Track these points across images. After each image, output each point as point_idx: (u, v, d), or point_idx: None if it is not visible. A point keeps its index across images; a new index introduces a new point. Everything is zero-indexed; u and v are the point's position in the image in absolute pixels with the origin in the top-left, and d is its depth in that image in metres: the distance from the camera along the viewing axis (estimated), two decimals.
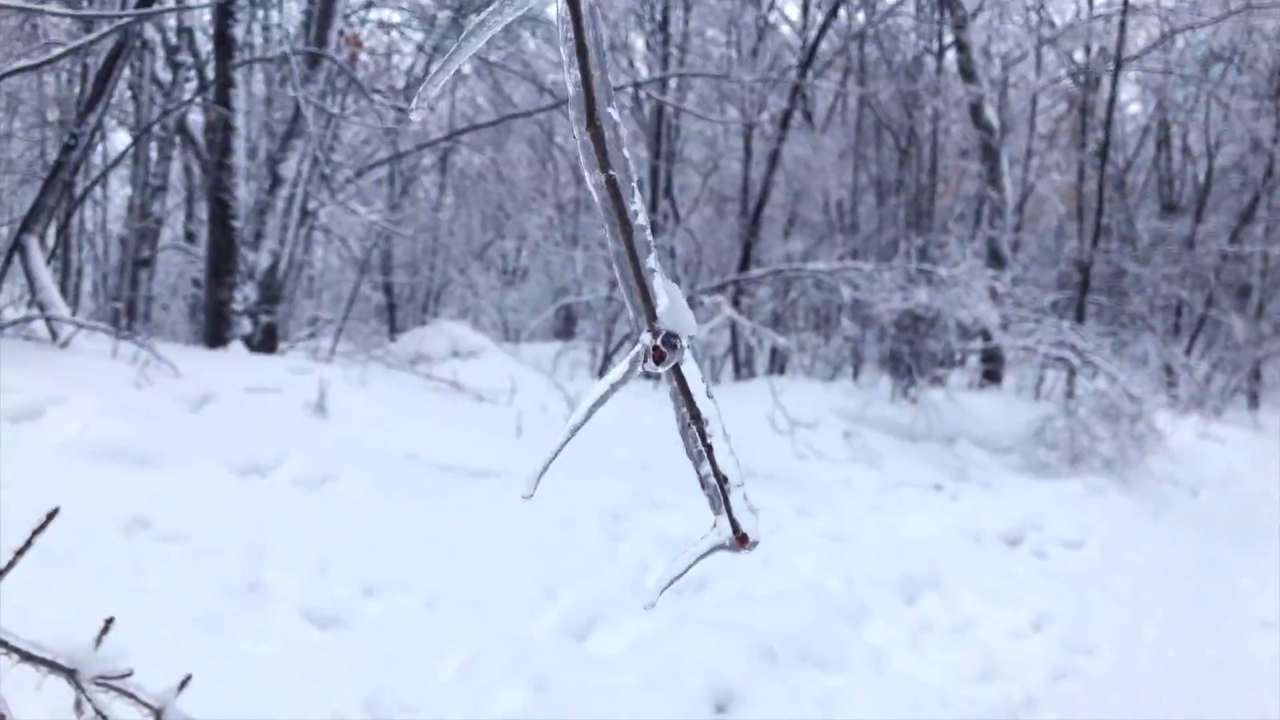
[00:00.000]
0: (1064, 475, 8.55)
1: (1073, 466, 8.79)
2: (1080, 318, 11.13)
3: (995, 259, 11.54)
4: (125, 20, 5.41)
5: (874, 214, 15.14)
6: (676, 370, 0.46)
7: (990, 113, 11.48)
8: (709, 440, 0.46)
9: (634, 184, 0.46)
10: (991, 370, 11.50)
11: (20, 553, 1.02)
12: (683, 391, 0.46)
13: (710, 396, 0.47)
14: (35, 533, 1.04)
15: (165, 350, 6.99)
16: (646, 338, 0.46)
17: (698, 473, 0.47)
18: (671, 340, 0.46)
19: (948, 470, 8.34)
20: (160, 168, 11.07)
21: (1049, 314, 10.19)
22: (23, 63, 6.76)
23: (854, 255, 13.66)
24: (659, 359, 0.45)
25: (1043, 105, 15.39)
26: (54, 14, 5.78)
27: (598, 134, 0.46)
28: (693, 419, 0.46)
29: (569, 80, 0.47)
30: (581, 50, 0.46)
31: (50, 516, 1.05)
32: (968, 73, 11.50)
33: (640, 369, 0.46)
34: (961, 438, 9.31)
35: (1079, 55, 14.59)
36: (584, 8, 0.45)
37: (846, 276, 9.94)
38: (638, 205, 0.45)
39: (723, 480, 0.47)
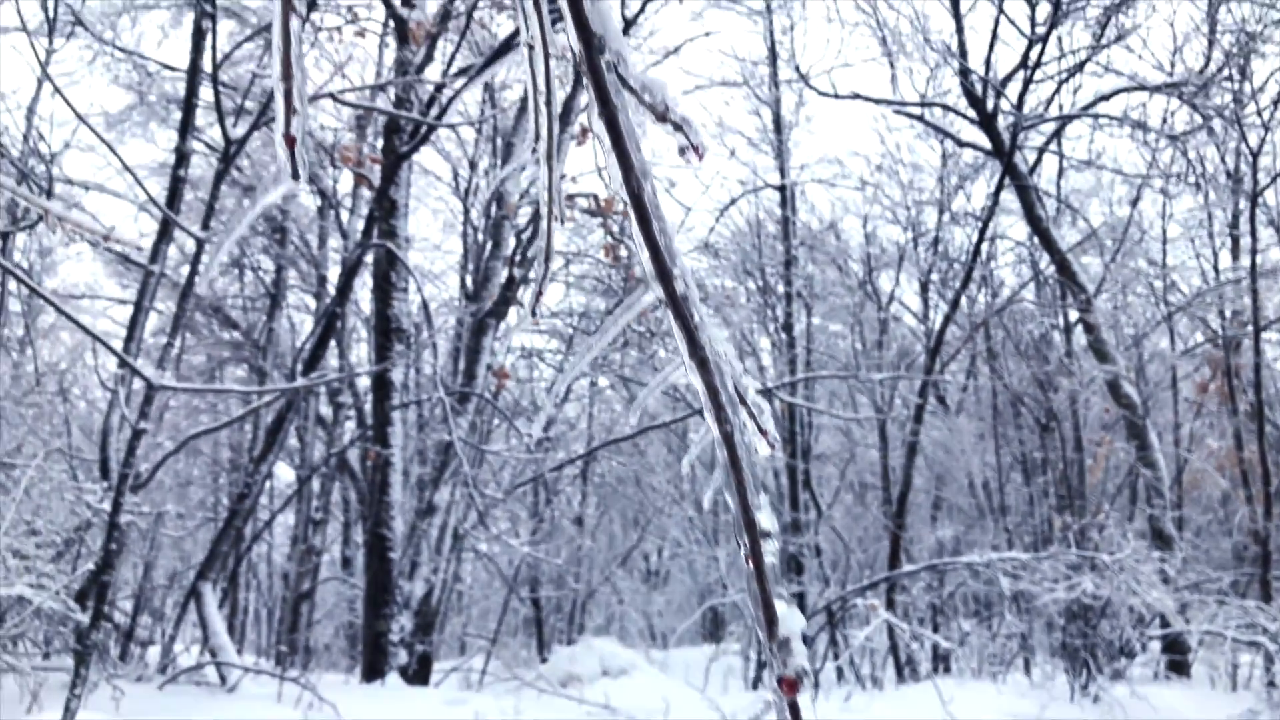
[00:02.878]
0: None
1: None
2: (1267, 596, 10.33)
3: (1160, 538, 10.96)
4: (296, 388, 5.93)
5: (1022, 493, 14.73)
6: None
7: (1129, 388, 11.31)
8: None
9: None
10: (1177, 660, 10.62)
11: None
12: None
13: None
14: None
15: (325, 687, 7.10)
16: None
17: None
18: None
19: None
20: (321, 500, 11.71)
21: (1231, 594, 9.50)
22: (205, 427, 7.42)
23: (1008, 540, 13.19)
24: None
25: (1184, 372, 15.08)
26: (234, 392, 6.41)
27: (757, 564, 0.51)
28: None
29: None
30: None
31: None
32: (1100, 352, 11.46)
33: None
34: None
35: (1213, 319, 14.42)
36: (748, 480, 0.51)
37: (1003, 568, 9.56)
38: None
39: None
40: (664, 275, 0.66)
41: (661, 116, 0.73)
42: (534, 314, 1.12)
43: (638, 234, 0.68)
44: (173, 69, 10.35)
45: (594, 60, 0.67)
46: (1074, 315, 13.23)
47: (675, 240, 0.68)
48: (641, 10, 10.63)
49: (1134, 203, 13.83)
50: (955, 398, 15.95)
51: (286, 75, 0.65)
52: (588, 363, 0.88)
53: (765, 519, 0.66)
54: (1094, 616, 9.53)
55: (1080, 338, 13.43)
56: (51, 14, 9.80)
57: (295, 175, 0.66)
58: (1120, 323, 13.56)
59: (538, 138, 1.00)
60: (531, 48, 0.97)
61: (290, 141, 0.65)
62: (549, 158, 0.99)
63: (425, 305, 7.75)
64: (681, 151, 0.81)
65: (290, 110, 0.65)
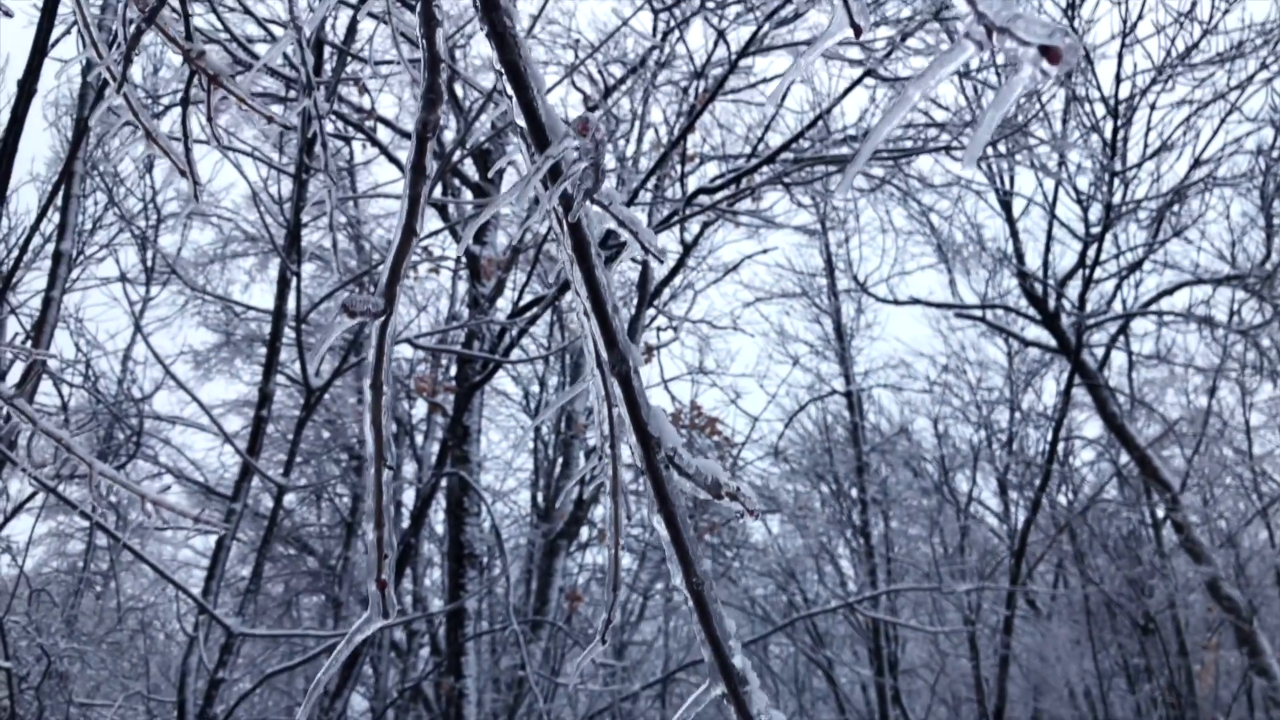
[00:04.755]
0: None
1: None
2: None
3: None
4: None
5: (1128, 701, 13.87)
6: None
7: (1230, 590, 10.76)
8: None
9: None
10: None
11: None
12: None
13: None
14: None
15: None
16: None
17: None
18: None
19: None
20: None
21: None
22: (282, 665, 7.40)
23: None
24: None
25: None
26: (313, 635, 6.42)
27: None
28: None
29: None
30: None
31: None
32: (1194, 553, 11.00)
33: None
34: None
35: None
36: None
37: None
38: None
39: None
40: (725, 670, 0.68)
41: (716, 494, 0.77)
42: (604, 640, 1.14)
43: (698, 626, 0.70)
44: (258, 310, 10.95)
45: (653, 462, 0.72)
46: (1161, 511, 12.80)
47: (733, 638, 0.70)
48: (701, 234, 11.06)
49: (1211, 393, 13.59)
50: (1046, 601, 15.31)
51: (379, 524, 0.70)
52: None
53: None
54: None
55: (1172, 533, 12.94)
56: (149, 264, 10.53)
57: (385, 615, 0.70)
58: (1211, 518, 13.08)
59: (609, 475, 1.04)
60: (604, 433, 1.03)
61: (382, 585, 0.69)
62: (615, 495, 1.03)
63: (497, 531, 7.78)
64: (739, 515, 0.85)
65: (382, 555, 0.69)
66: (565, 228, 0.76)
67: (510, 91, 0.80)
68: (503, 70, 0.80)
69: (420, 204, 0.65)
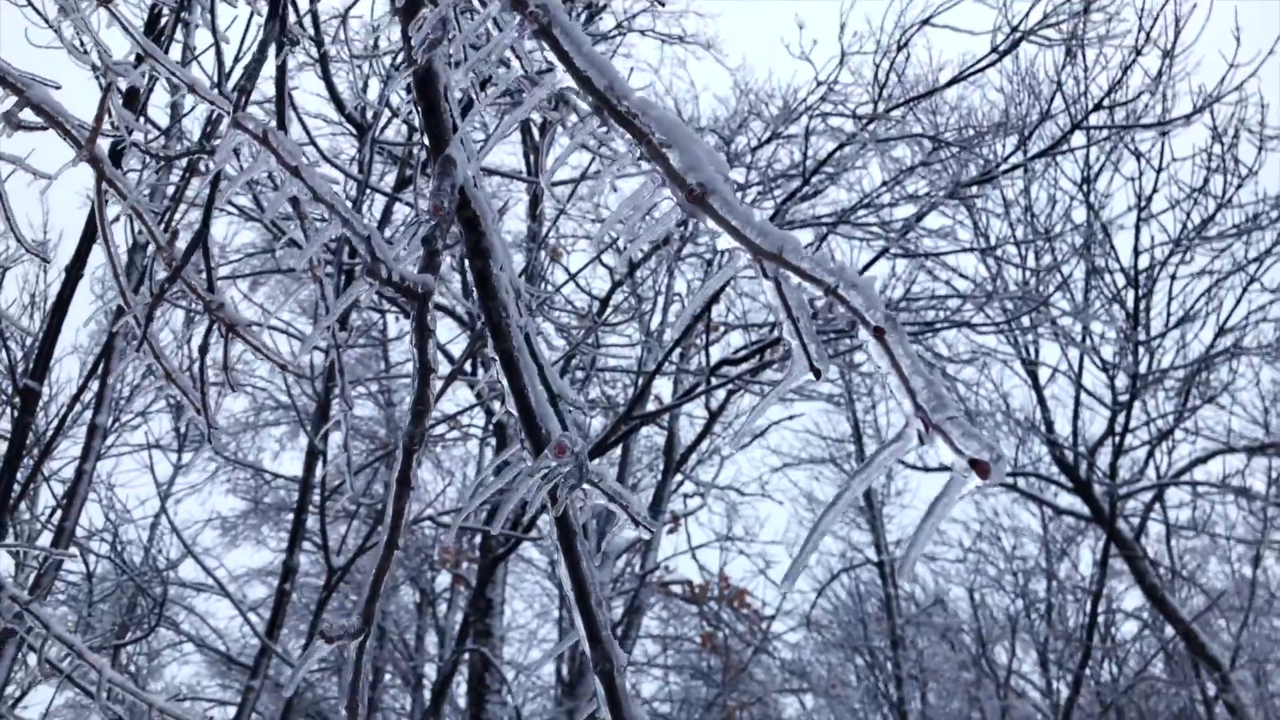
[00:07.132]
0: None
1: None
2: None
3: None
4: None
5: None
6: None
7: None
8: None
9: None
10: None
11: None
12: None
13: None
14: None
15: None
16: None
17: None
18: None
19: None
20: None
21: None
22: None
23: None
24: None
25: None
26: None
27: None
28: None
29: None
30: None
31: None
32: None
33: None
34: None
35: None
36: None
37: None
38: None
39: None
40: None
41: None
42: None
43: None
44: (286, 478, 11.00)
45: None
46: (1212, 689, 12.24)
47: None
48: (727, 401, 11.11)
49: (1255, 563, 13.18)
50: None
51: None
52: None
53: None
54: None
55: (1225, 712, 12.33)
56: (183, 431, 10.66)
57: None
58: (1265, 697, 12.50)
59: None
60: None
61: None
62: None
63: (519, 714, 7.57)
64: None
65: None
66: (552, 519, 0.77)
67: (502, 377, 0.83)
68: (496, 358, 0.83)
69: (404, 517, 0.66)
